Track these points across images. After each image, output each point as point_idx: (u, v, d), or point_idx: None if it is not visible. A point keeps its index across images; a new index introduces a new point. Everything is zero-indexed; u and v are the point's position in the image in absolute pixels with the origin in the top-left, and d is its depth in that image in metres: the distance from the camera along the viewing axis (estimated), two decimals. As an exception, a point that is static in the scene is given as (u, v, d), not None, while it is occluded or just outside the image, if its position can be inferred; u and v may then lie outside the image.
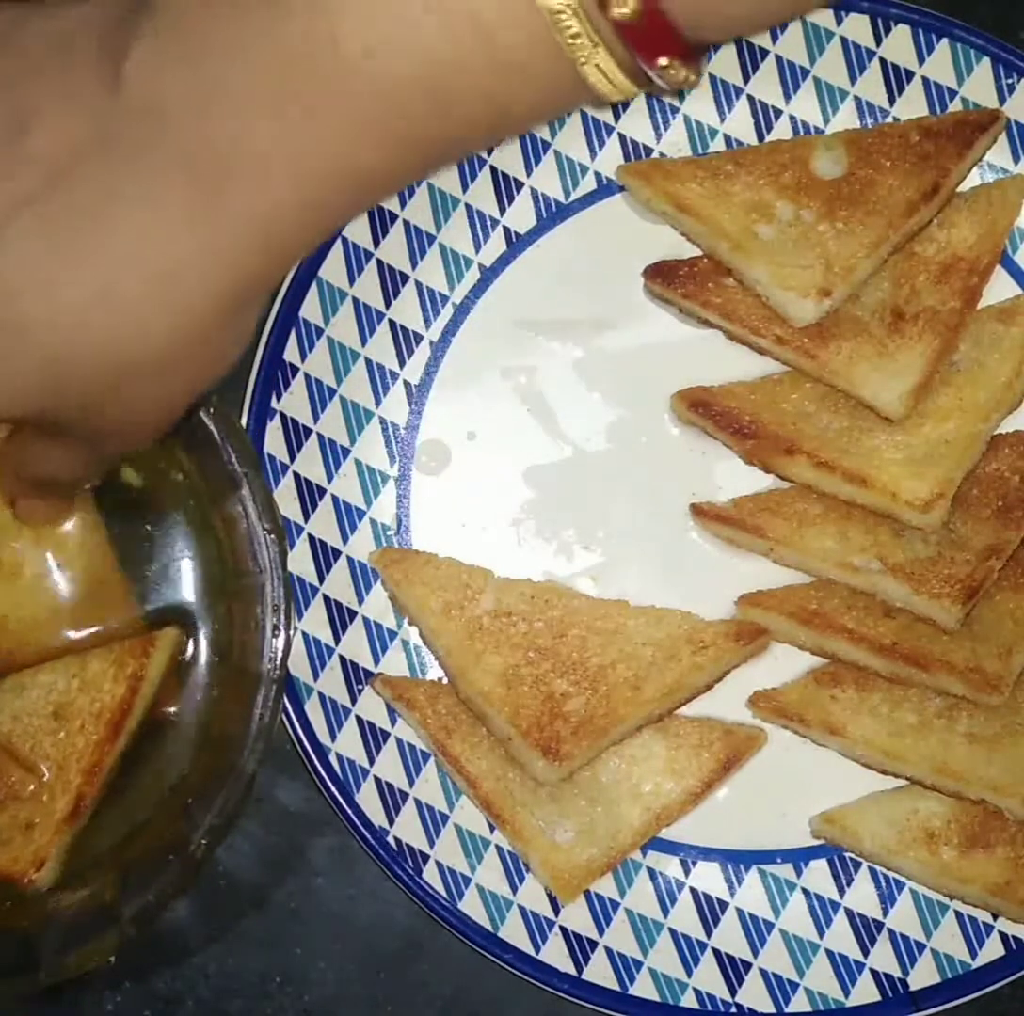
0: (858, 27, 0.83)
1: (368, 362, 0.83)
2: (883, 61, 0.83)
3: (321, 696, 0.80)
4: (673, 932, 0.81)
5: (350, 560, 0.82)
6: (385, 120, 0.52)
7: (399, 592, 0.81)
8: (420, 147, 0.53)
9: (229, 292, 0.55)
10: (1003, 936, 0.81)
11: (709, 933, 0.81)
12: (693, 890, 0.82)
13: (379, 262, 0.83)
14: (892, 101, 0.83)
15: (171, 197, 0.52)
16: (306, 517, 0.81)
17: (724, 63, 0.83)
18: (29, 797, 0.73)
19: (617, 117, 0.84)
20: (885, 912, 0.82)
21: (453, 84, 0.51)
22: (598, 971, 0.81)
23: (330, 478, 0.82)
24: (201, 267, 0.54)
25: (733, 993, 0.81)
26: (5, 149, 0.53)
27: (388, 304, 0.83)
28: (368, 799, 0.80)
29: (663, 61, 0.52)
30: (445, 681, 0.82)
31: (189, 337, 0.55)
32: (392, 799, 0.81)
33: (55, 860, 0.73)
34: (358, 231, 0.82)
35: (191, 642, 0.77)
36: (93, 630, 0.76)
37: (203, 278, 0.54)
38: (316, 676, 0.81)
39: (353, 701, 0.81)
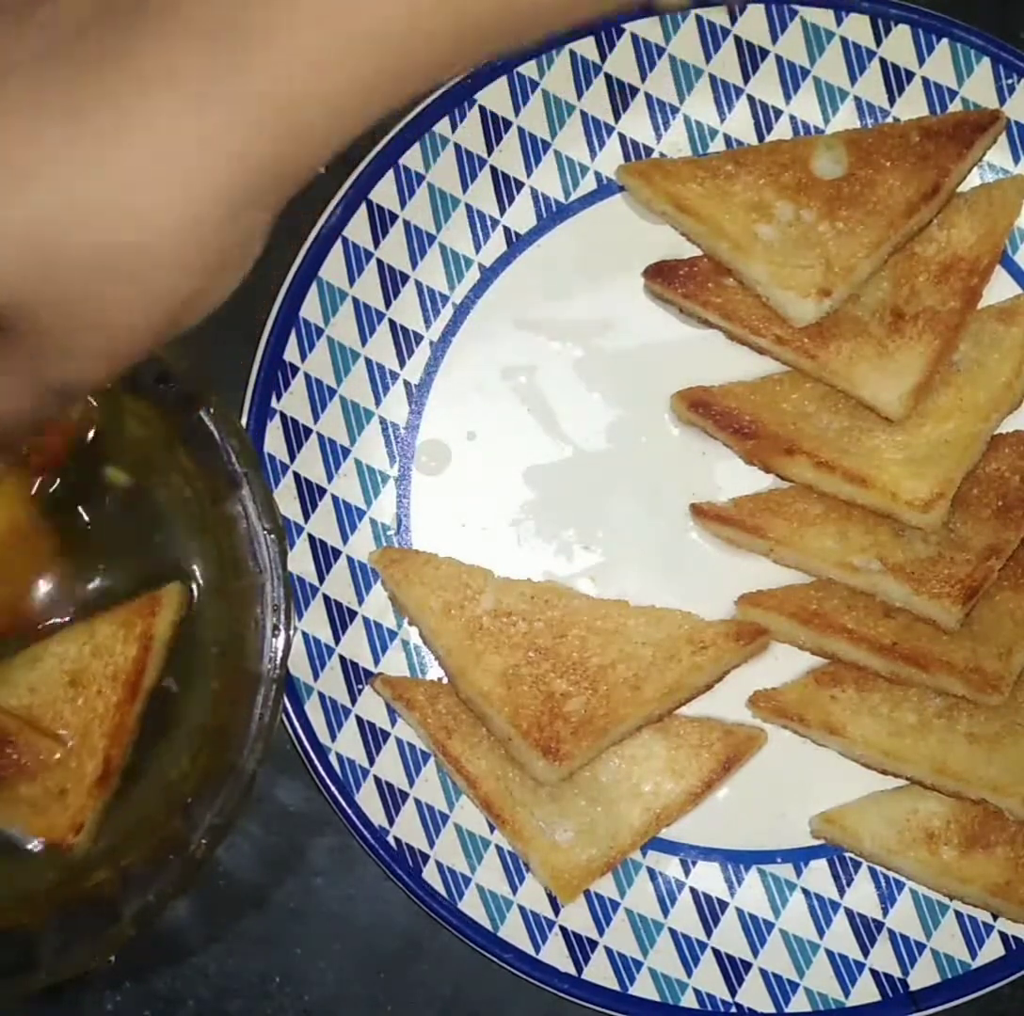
0: (858, 27, 0.83)
1: (368, 362, 0.83)
2: (883, 61, 0.83)
3: (321, 696, 0.80)
4: (673, 932, 0.81)
5: (350, 560, 0.82)
6: None
7: (399, 592, 0.81)
8: (435, 19, 0.51)
9: (232, 172, 0.52)
10: (1003, 936, 0.81)
11: (709, 933, 0.81)
12: (693, 890, 0.82)
13: (379, 262, 0.83)
14: (892, 101, 0.83)
15: (178, 60, 0.51)
16: (306, 517, 0.81)
17: (724, 63, 0.83)
18: (56, 765, 0.74)
19: (617, 117, 0.84)
20: (885, 912, 0.82)
21: None
22: (598, 971, 0.81)
23: (330, 478, 0.82)
24: (204, 137, 0.51)
25: (733, 993, 0.81)
26: (26, 13, 0.53)
27: (388, 304, 0.83)
28: (368, 799, 0.80)
29: None
30: (445, 681, 0.82)
31: (178, 221, 0.52)
32: (392, 799, 0.81)
33: (92, 823, 0.74)
34: (358, 231, 0.82)
35: (191, 641, 0.77)
36: (15, 587, 0.76)
37: (205, 149, 0.51)
38: (316, 676, 0.81)
39: (353, 701, 0.81)
